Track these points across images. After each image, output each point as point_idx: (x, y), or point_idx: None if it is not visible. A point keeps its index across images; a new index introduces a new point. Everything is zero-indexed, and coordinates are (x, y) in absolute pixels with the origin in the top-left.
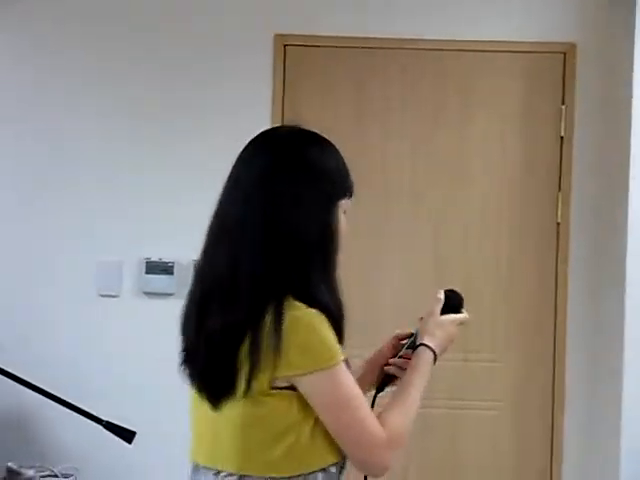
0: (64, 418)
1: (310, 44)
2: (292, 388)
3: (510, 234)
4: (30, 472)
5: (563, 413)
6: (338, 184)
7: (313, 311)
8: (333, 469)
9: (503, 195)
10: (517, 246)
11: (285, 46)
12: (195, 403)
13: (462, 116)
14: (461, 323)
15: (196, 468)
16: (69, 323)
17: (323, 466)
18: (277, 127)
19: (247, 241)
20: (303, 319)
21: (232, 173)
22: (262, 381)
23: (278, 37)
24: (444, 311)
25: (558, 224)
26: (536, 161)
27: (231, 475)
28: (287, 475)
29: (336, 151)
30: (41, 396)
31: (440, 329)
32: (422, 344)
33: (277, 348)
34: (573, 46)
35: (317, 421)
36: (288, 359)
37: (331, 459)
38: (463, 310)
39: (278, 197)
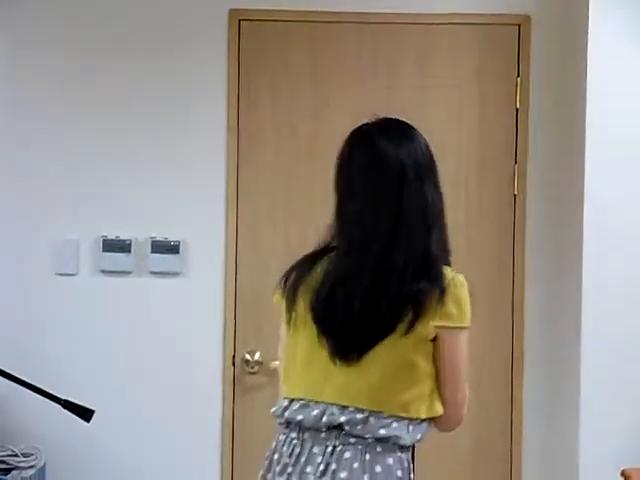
0: (24, 398)
1: (265, 18)
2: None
3: (467, 207)
4: None
5: (522, 386)
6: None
7: (460, 274)
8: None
9: (460, 168)
10: (474, 218)
11: (240, 21)
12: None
13: (417, 90)
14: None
15: (305, 405)
16: (25, 302)
17: (437, 414)
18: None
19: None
20: (462, 282)
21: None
22: (426, 327)
23: (233, 12)
24: None
25: (515, 196)
26: (492, 133)
27: (361, 410)
28: (416, 416)
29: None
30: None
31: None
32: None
33: (441, 300)
34: (527, 18)
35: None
36: (448, 310)
37: (441, 411)
38: None
39: (427, 184)
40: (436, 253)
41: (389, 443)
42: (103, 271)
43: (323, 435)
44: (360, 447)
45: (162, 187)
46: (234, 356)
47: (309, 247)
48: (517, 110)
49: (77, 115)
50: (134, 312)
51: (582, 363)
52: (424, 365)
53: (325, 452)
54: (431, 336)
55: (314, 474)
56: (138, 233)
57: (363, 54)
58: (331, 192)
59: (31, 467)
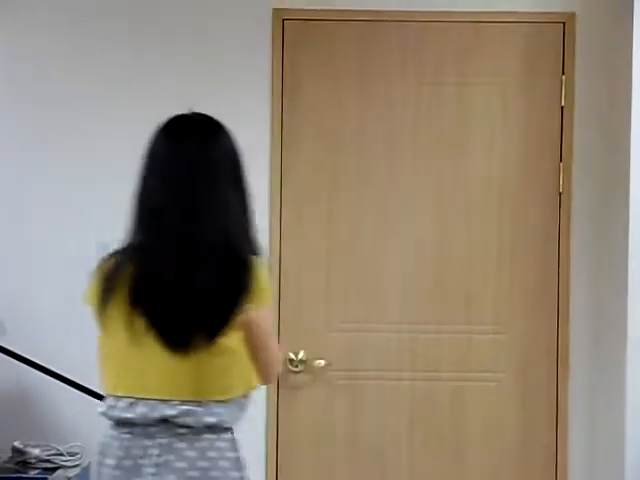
0: (70, 396)
1: (308, 18)
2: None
3: (513, 205)
4: (36, 451)
5: (567, 384)
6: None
7: (263, 259)
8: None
9: (505, 166)
10: (520, 217)
11: (284, 20)
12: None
13: (462, 88)
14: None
15: (133, 403)
16: (63, 304)
17: (256, 387)
18: (197, 114)
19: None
20: (263, 265)
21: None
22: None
23: (276, 12)
24: None
25: (560, 194)
26: (537, 132)
27: (186, 402)
28: (236, 396)
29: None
30: (45, 375)
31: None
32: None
33: (251, 285)
34: (573, 15)
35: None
36: (254, 295)
37: (256, 383)
38: None
39: (240, 180)
40: (237, 243)
41: (217, 428)
42: None
43: (155, 429)
44: (192, 436)
45: None
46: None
47: (355, 243)
48: (562, 108)
49: (132, 114)
50: None
51: (627, 363)
52: (238, 347)
53: (160, 445)
54: (241, 320)
55: (152, 467)
56: None
57: (407, 53)
58: (376, 187)
59: (75, 466)
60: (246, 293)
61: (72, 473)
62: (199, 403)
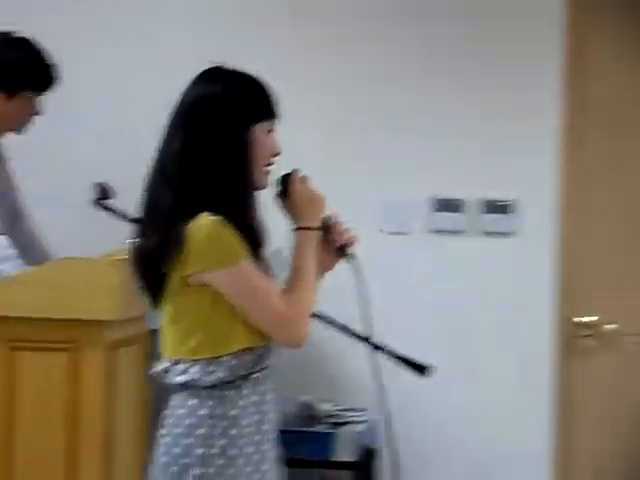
0: (359, 353)
1: None
2: (204, 284)
3: None
4: (325, 406)
5: None
6: (250, 110)
7: (216, 218)
8: (259, 350)
9: None
10: None
11: None
12: None
13: None
14: (301, 181)
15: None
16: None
17: (241, 347)
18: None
19: (170, 171)
20: (205, 224)
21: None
22: (175, 281)
23: None
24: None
25: None
26: None
27: (169, 360)
28: (208, 356)
29: (248, 79)
30: (337, 330)
31: (296, 206)
32: (293, 229)
33: (181, 250)
34: None
35: (231, 309)
36: (192, 259)
37: (249, 342)
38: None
39: (193, 127)
40: (165, 203)
41: (190, 387)
42: (435, 230)
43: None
44: (179, 392)
45: (492, 145)
46: (565, 319)
47: None
48: None
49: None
50: (465, 273)
51: None
52: (202, 306)
53: (168, 401)
54: (197, 282)
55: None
56: (470, 192)
57: None
58: None
59: (363, 422)
60: (166, 258)
61: (359, 428)
62: (175, 361)
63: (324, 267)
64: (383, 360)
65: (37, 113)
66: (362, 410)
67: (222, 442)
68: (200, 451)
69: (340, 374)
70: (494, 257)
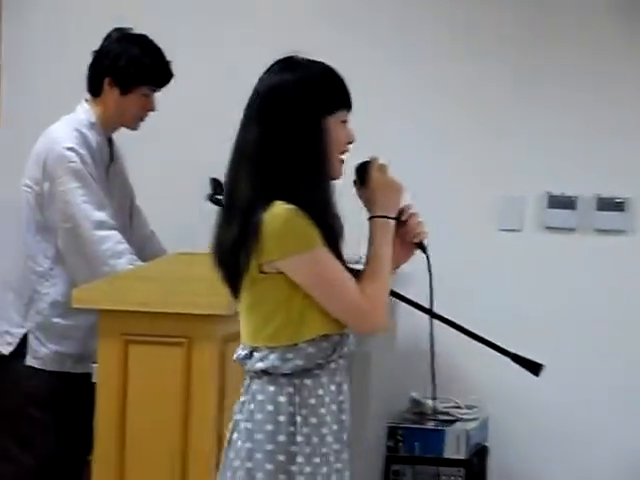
0: (471, 349)
1: None
2: (280, 272)
3: None
4: (435, 403)
5: None
6: (323, 100)
7: (291, 206)
8: (336, 337)
9: None
10: None
11: None
12: None
13: None
14: (380, 169)
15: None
16: (470, 257)
17: (318, 334)
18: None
19: (246, 162)
20: (280, 213)
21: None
22: (252, 269)
23: None
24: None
25: None
26: None
27: (249, 347)
28: (286, 344)
29: (322, 69)
30: (448, 327)
31: (373, 194)
32: (370, 218)
33: (256, 238)
34: None
35: (307, 297)
36: (267, 247)
37: (326, 329)
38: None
39: (267, 117)
40: (239, 194)
41: (269, 373)
42: (548, 227)
43: None
44: (259, 379)
45: (607, 143)
46: None
47: None
48: None
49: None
50: (578, 271)
51: None
52: (278, 294)
53: (243, 388)
54: (274, 270)
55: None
56: (584, 190)
57: None
58: None
59: (474, 419)
60: (244, 248)
61: (470, 426)
62: (254, 348)
63: (398, 259)
64: (496, 358)
65: (151, 109)
66: (473, 407)
67: (305, 430)
68: (282, 438)
69: (451, 371)
70: (607, 256)
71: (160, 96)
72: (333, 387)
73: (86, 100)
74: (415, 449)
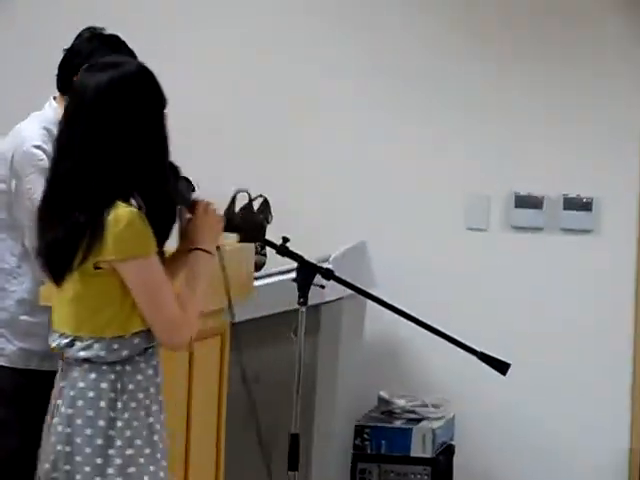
0: (436, 348)
1: None
2: (115, 269)
3: None
4: (401, 402)
5: None
6: (161, 96)
7: (134, 210)
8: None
9: None
10: None
11: None
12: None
13: None
14: (206, 210)
15: (51, 331)
16: (437, 255)
17: (146, 327)
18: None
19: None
20: (123, 215)
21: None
22: (89, 263)
23: None
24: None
25: None
26: None
27: (67, 336)
28: (113, 335)
29: (142, 67)
30: (415, 325)
31: (197, 230)
32: (193, 249)
33: (98, 237)
34: None
35: None
36: (108, 246)
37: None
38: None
39: (110, 113)
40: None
41: (90, 362)
42: (514, 227)
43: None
44: (79, 367)
45: (573, 143)
46: None
47: None
48: None
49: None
50: (544, 269)
51: None
52: (110, 289)
53: (60, 373)
54: (109, 267)
55: (54, 396)
56: (551, 189)
57: None
58: None
59: (439, 418)
60: (80, 244)
61: (436, 425)
62: (75, 337)
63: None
64: (463, 356)
65: None
66: (439, 406)
67: (126, 415)
68: (102, 423)
69: (418, 369)
70: (573, 255)
71: None
72: (151, 371)
73: (54, 98)
74: (382, 447)
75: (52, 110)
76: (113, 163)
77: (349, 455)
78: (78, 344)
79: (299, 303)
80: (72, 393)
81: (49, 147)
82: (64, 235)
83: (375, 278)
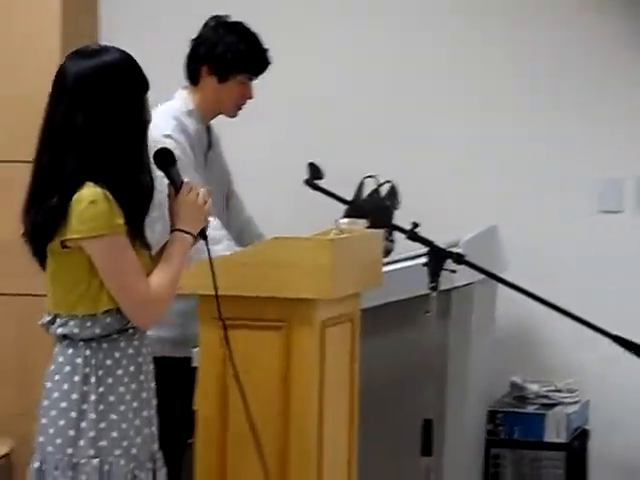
0: (570, 332)
1: None
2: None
3: None
4: (534, 387)
5: None
6: (143, 81)
7: (99, 190)
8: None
9: None
10: None
11: None
12: None
13: None
14: (189, 190)
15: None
16: (570, 239)
17: (115, 306)
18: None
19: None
20: (88, 194)
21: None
22: (56, 243)
23: None
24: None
25: None
26: None
27: (51, 313)
28: (85, 312)
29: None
30: (548, 309)
31: (180, 210)
32: (174, 230)
33: (63, 216)
34: None
35: None
36: (71, 225)
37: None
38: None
39: (89, 100)
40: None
41: (68, 338)
42: None
43: None
44: (60, 343)
45: None
46: None
47: None
48: None
49: None
50: None
51: None
52: (79, 267)
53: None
54: (76, 246)
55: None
56: None
57: None
58: None
59: (574, 403)
60: (50, 223)
61: (570, 410)
62: (55, 315)
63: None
64: (597, 340)
65: (249, 97)
66: (574, 390)
67: (100, 389)
68: (75, 396)
69: (552, 354)
70: None
71: (256, 80)
72: (131, 350)
73: (184, 88)
74: (515, 433)
75: (181, 100)
76: (89, 149)
77: (482, 440)
78: (58, 321)
79: (430, 288)
80: (52, 367)
81: (180, 137)
82: (42, 219)
83: (506, 263)
